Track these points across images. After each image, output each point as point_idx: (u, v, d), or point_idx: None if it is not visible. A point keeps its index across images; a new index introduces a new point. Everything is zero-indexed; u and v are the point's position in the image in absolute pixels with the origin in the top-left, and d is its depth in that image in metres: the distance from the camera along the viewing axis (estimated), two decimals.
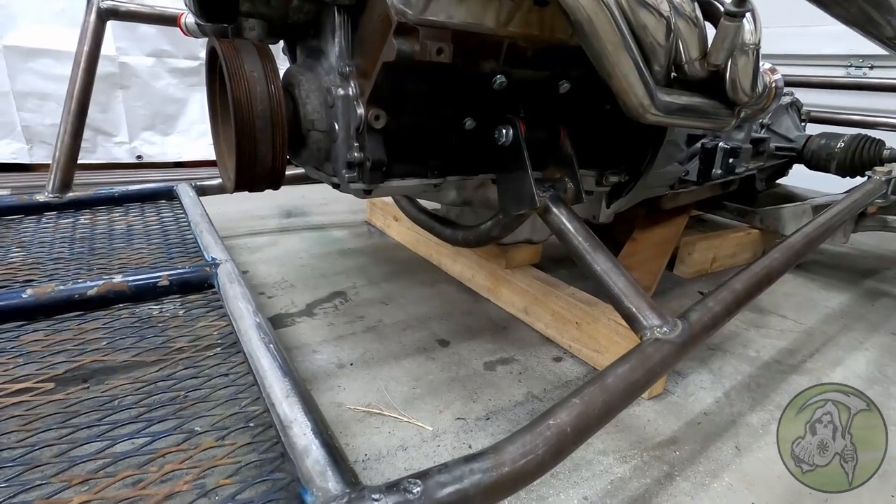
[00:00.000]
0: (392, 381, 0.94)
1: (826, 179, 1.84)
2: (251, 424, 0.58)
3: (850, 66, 2.42)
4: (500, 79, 0.82)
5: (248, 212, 1.93)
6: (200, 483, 0.49)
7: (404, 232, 1.65)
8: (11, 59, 1.94)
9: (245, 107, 0.76)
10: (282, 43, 1.01)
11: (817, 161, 1.64)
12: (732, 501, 0.71)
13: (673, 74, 0.94)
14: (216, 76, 0.89)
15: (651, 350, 0.66)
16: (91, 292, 0.82)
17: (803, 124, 1.84)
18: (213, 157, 0.95)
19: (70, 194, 1.32)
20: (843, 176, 1.63)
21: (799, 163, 1.71)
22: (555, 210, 0.85)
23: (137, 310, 0.86)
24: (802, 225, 1.12)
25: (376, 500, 0.42)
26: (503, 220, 0.95)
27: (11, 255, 1.03)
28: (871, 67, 2.37)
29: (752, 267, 0.89)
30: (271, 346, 0.66)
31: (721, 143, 1.39)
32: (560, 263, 1.56)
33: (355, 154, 0.83)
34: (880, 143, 1.55)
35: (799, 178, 1.87)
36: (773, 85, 1.02)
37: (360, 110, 0.81)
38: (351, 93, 0.81)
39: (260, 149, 0.81)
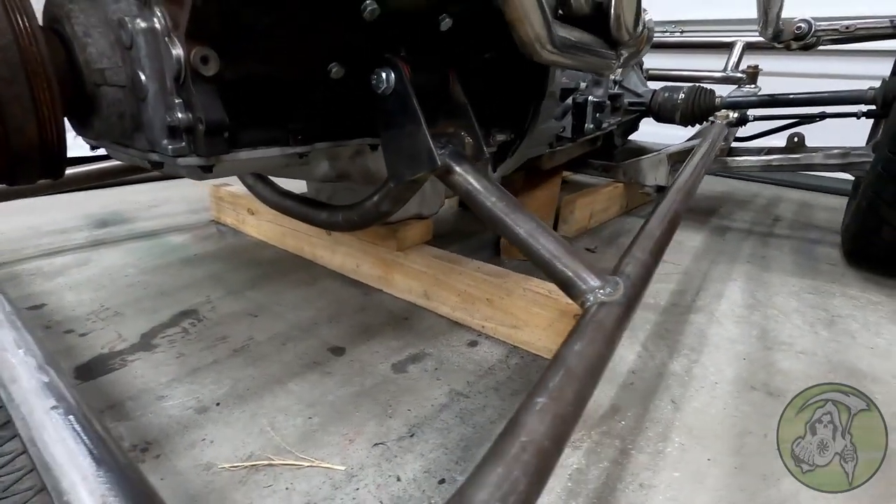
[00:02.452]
0: (279, 414, 0.72)
1: (656, 134, 2.02)
2: None
3: (665, 31, 2.70)
4: (370, 5, 0.64)
5: (42, 227, 1.46)
6: None
7: (265, 226, 1.38)
8: None
9: None
10: None
11: (664, 113, 1.74)
12: (691, 463, 0.66)
13: (559, 11, 0.85)
14: None
15: (603, 316, 0.55)
16: None
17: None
18: None
19: None
20: (685, 125, 1.76)
21: (648, 116, 1.82)
22: (458, 169, 0.70)
23: None
24: (675, 176, 1.14)
25: None
26: (393, 191, 0.78)
27: None
28: (682, 32, 2.67)
29: (656, 211, 0.86)
30: None
31: (591, 98, 1.38)
32: (448, 239, 1.44)
33: (178, 115, 0.58)
34: (712, 92, 1.71)
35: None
36: (647, 27, 1.00)
37: (178, 50, 0.56)
38: (157, 25, 0.56)
39: (10, 113, 0.52)
